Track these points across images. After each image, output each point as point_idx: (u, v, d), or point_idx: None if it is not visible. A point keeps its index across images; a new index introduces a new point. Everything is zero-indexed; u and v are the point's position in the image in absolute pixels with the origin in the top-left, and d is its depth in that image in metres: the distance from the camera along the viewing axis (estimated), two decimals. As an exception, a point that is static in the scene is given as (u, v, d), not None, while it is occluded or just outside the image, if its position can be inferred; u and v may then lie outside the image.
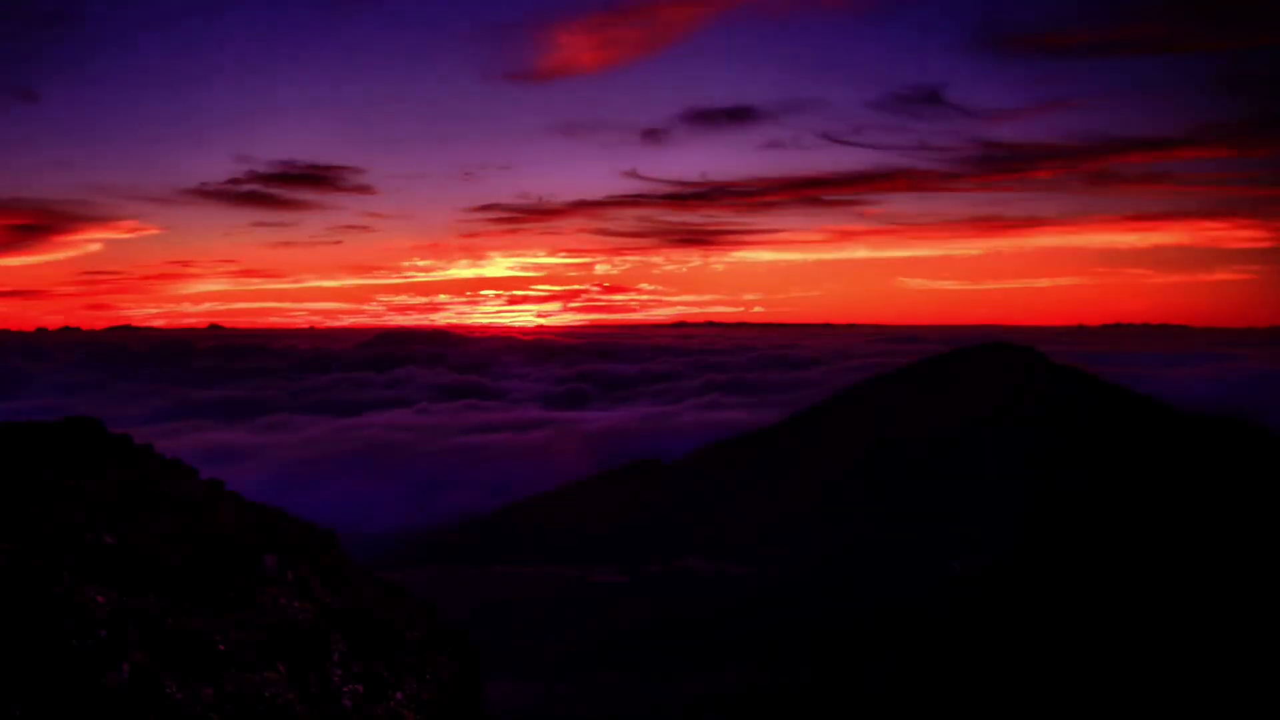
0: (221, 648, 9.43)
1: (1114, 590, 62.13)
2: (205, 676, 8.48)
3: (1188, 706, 47.80)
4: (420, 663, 14.89)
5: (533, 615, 62.57)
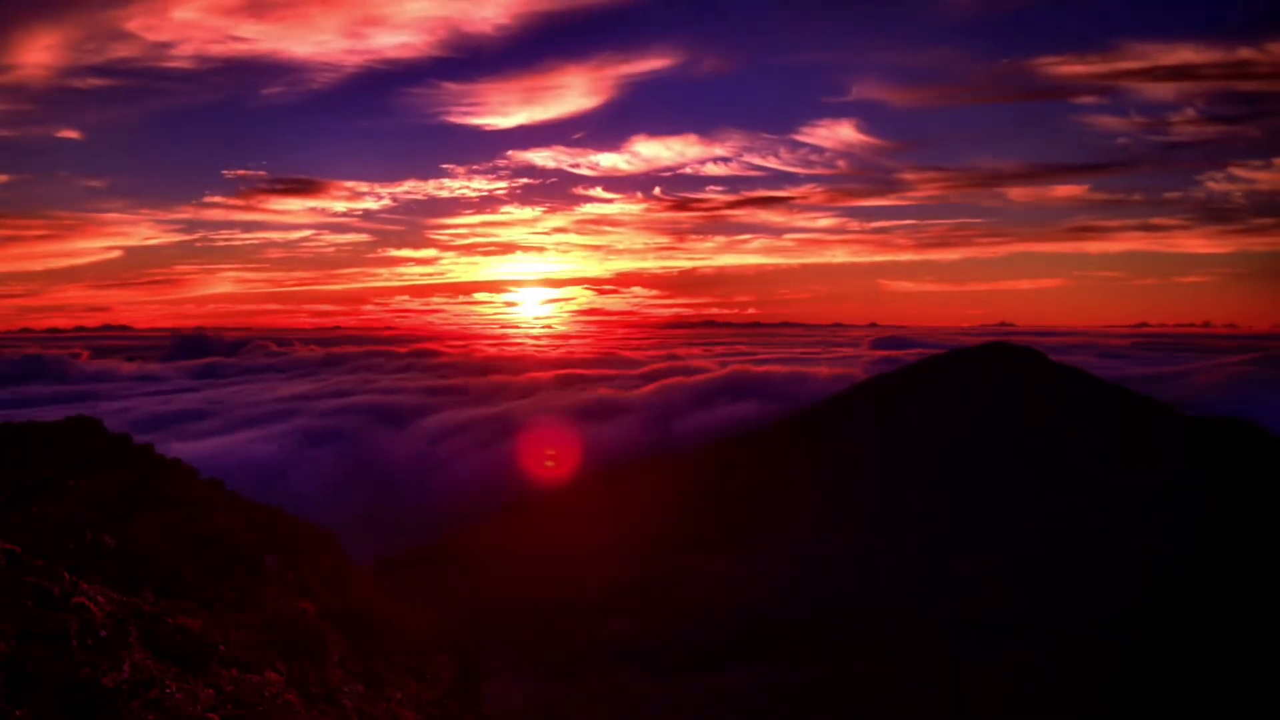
0: (222, 648, 9.43)
1: (1122, 592, 62.12)
2: (205, 676, 8.48)
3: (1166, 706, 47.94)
4: (420, 663, 14.90)
5: (529, 616, 62.63)
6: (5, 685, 6.24)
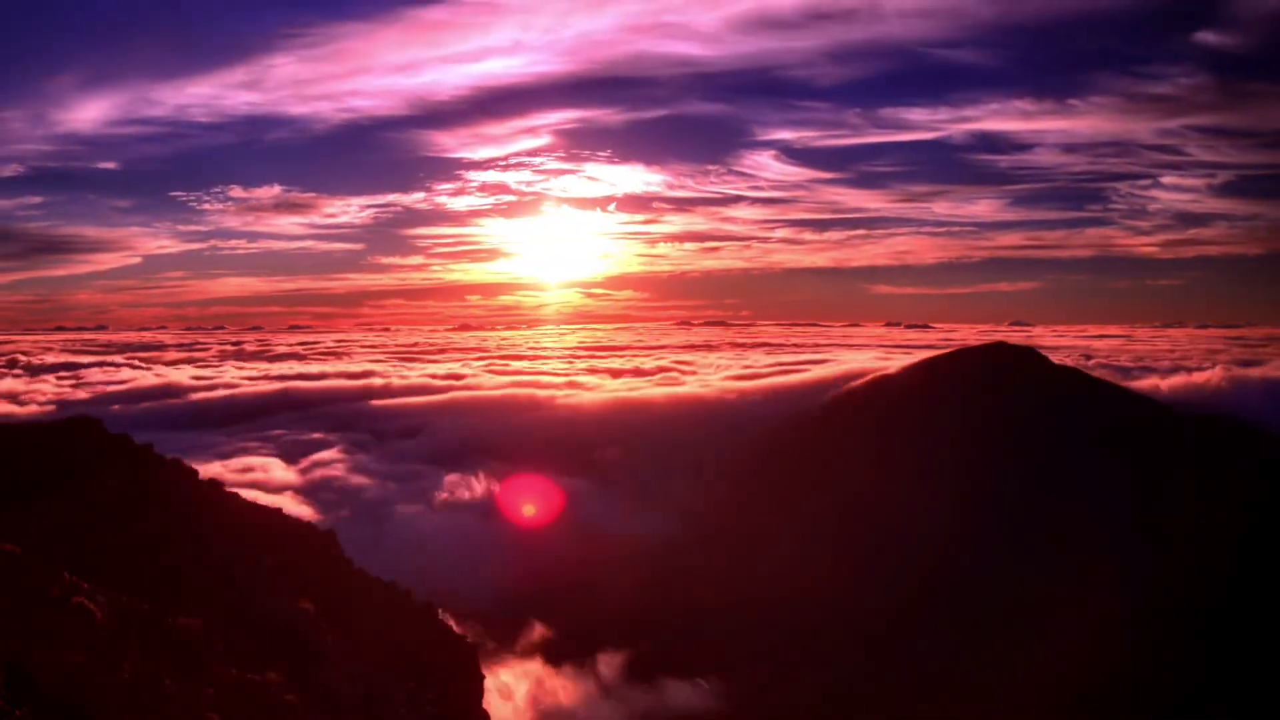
0: (221, 648, 9.43)
1: (1117, 588, 62.10)
2: (204, 676, 8.49)
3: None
4: (420, 663, 14.89)
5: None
6: (5, 685, 6.24)
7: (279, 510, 17.06)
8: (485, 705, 17.00)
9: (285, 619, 11.70)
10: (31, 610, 7.55)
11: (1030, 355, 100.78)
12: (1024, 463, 79.87)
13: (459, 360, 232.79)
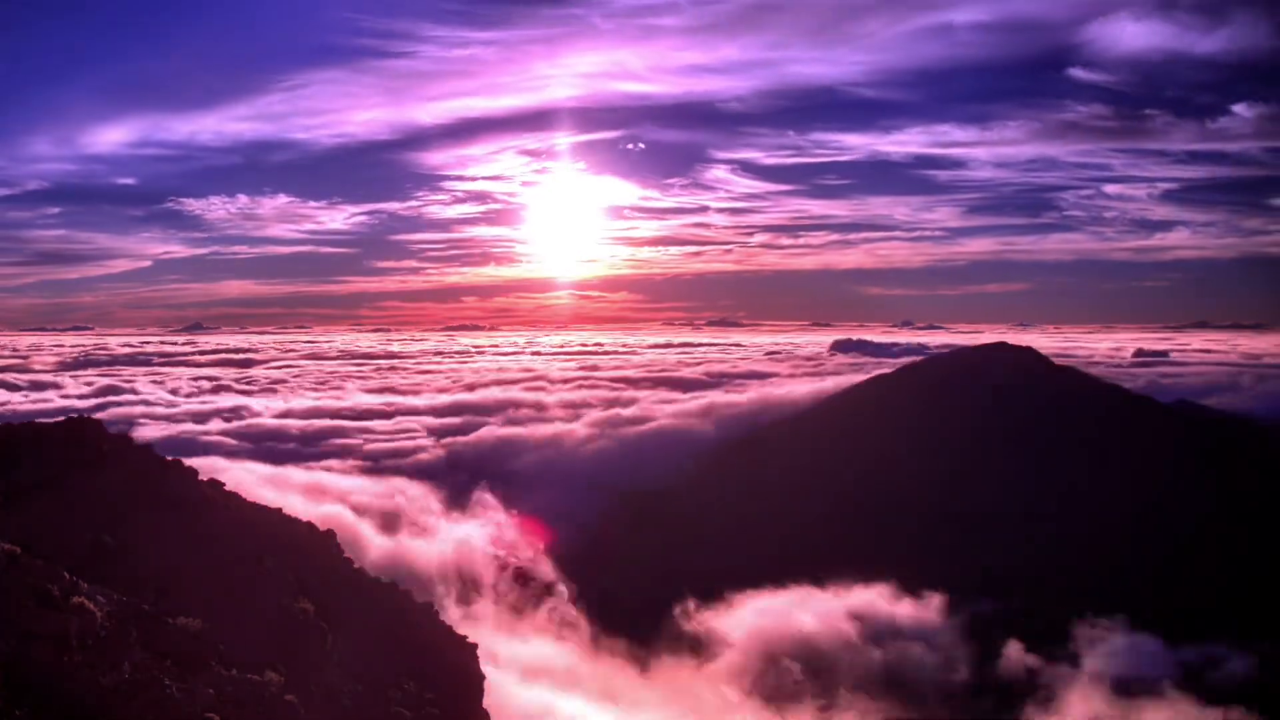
0: (222, 648, 9.43)
1: (1119, 582, 62.19)
2: (205, 676, 8.48)
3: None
4: (420, 663, 14.88)
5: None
6: (5, 685, 6.24)
7: (279, 510, 17.03)
8: (485, 705, 16.98)
9: (285, 619, 11.70)
10: (31, 610, 7.55)
11: (1030, 355, 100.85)
12: (1024, 460, 79.90)
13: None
